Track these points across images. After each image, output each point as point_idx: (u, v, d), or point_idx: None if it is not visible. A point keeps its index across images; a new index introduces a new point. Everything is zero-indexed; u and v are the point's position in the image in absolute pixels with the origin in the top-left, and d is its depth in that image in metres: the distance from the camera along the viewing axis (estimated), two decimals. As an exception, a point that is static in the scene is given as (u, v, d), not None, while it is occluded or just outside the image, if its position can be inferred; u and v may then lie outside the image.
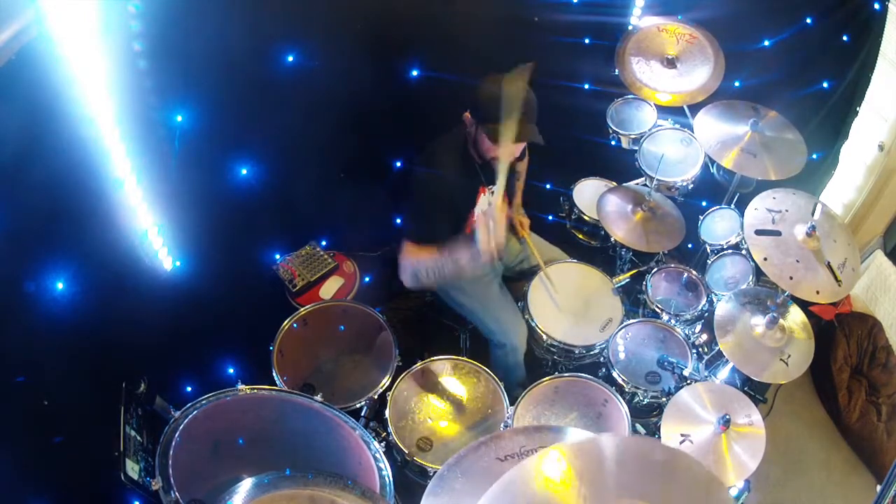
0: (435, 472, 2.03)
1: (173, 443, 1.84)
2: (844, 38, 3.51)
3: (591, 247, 3.42)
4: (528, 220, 3.01)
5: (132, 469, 1.88)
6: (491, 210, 2.46)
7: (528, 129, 2.34)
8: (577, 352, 2.79)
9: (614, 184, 3.38)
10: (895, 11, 3.23)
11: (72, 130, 1.88)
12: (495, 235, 2.30)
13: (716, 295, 2.93)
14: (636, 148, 3.33)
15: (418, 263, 2.45)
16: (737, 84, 3.57)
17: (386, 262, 3.51)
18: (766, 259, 2.48)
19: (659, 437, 2.30)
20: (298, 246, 3.30)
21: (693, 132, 3.21)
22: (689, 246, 3.36)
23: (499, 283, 2.92)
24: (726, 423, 2.24)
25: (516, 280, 3.02)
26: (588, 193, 3.43)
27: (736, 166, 2.92)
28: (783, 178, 2.86)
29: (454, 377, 2.62)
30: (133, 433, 1.98)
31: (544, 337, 2.79)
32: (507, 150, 2.35)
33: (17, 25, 1.62)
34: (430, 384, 2.60)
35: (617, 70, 3.33)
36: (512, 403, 2.51)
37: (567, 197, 3.43)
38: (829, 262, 2.48)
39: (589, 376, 2.59)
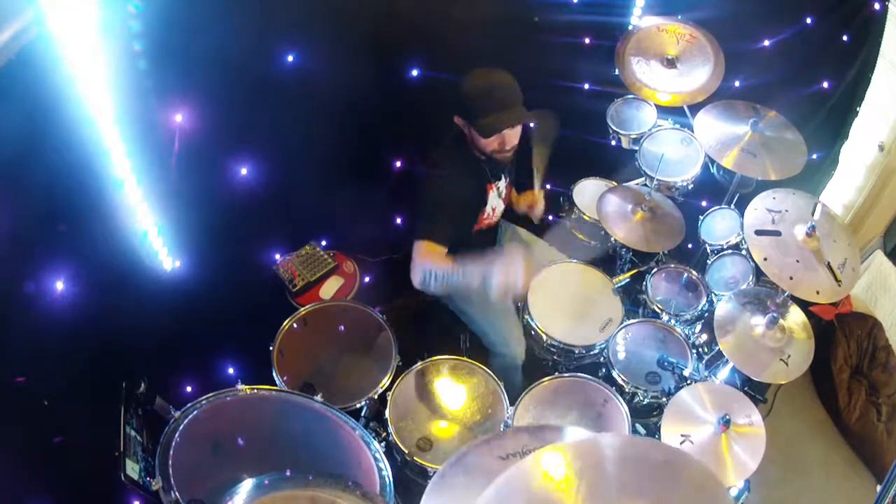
0: (435, 472, 2.03)
1: (173, 443, 1.84)
2: (844, 38, 3.51)
3: (592, 247, 3.42)
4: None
5: (132, 469, 1.88)
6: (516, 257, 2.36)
7: (513, 114, 2.36)
8: (577, 352, 2.79)
9: (614, 184, 3.38)
10: (895, 11, 3.23)
11: (72, 130, 1.88)
12: (513, 285, 2.24)
13: (716, 295, 2.93)
14: (636, 148, 3.32)
15: (430, 267, 2.39)
16: (737, 84, 3.57)
17: (386, 266, 3.51)
18: (766, 259, 2.48)
19: (659, 438, 2.31)
20: (298, 246, 3.30)
21: (693, 132, 3.20)
22: (689, 246, 3.35)
23: None
24: (726, 423, 2.24)
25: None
26: (588, 193, 3.43)
27: (736, 166, 2.92)
28: (783, 178, 2.87)
29: (454, 377, 2.62)
30: (133, 433, 1.98)
31: (544, 337, 2.79)
32: (502, 140, 2.40)
33: (17, 25, 1.62)
34: (430, 384, 2.60)
35: (617, 70, 3.33)
36: (512, 404, 2.51)
37: (567, 197, 3.44)
38: (829, 262, 2.48)
39: (589, 376, 2.59)
